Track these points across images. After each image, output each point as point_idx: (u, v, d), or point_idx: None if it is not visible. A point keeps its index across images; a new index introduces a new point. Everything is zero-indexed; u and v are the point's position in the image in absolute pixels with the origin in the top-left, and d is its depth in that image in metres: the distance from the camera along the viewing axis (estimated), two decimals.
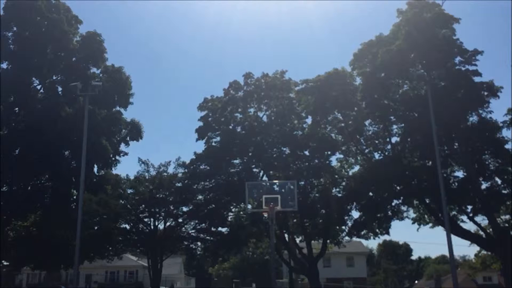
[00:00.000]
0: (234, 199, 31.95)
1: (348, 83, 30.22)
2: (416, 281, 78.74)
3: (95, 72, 33.33)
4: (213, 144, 32.95)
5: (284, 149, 32.37)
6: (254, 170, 32.61)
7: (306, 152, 31.74)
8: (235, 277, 63.01)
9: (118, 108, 34.03)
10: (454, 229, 25.59)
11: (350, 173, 32.58)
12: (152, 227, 36.56)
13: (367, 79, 28.12)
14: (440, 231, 52.56)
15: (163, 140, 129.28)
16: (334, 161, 32.69)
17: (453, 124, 26.22)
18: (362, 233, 31.06)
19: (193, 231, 36.95)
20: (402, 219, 30.79)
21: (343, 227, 31.34)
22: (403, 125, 29.15)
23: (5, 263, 36.75)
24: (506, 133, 27.39)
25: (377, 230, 30.39)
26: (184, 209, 35.80)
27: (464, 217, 29.03)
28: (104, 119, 31.43)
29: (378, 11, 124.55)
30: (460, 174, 28.76)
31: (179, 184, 34.37)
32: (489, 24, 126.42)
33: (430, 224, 31.24)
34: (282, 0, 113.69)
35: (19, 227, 31.67)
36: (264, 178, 31.81)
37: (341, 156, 32.48)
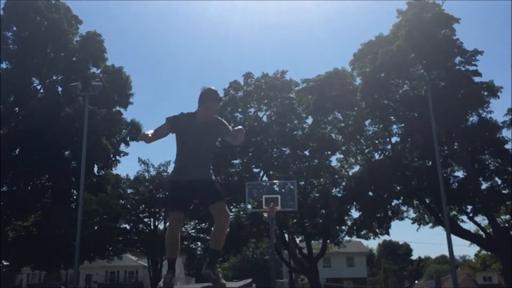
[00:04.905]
0: (234, 199, 31.96)
1: (348, 83, 30.26)
2: (416, 281, 78.65)
3: (95, 72, 33.30)
4: None
5: (284, 149, 32.38)
6: (254, 170, 32.61)
7: (306, 152, 31.75)
8: (235, 277, 63.00)
9: (118, 108, 34.02)
10: (454, 229, 25.59)
11: (350, 173, 32.60)
12: (152, 227, 36.57)
13: (367, 79, 28.14)
14: (440, 231, 52.61)
15: (163, 140, 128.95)
16: (334, 161, 32.75)
17: (453, 124, 26.24)
18: (362, 233, 31.10)
19: (193, 231, 36.96)
20: (402, 219, 30.82)
21: (343, 227, 31.37)
22: (403, 125, 29.18)
23: (5, 263, 36.75)
24: (506, 133, 27.52)
25: (377, 230, 30.41)
26: None
27: (464, 217, 29.07)
28: (104, 119, 31.40)
29: (378, 11, 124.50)
30: (460, 174, 28.85)
31: None
32: (489, 24, 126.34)
33: (430, 224, 31.25)
34: (282, 0, 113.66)
35: (19, 227, 31.65)
36: (264, 178, 31.83)
37: (341, 156, 32.51)
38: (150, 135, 4.71)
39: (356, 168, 32.29)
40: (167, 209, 4.77)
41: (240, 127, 4.91)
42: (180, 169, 4.73)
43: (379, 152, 30.66)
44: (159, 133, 4.80)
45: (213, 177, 4.81)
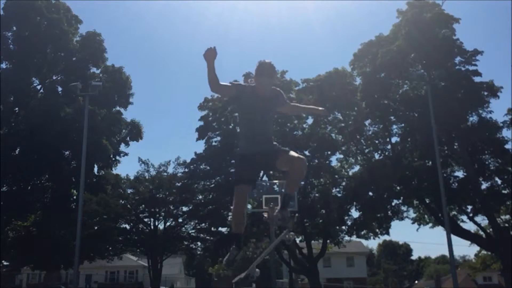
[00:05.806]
0: None
1: (348, 83, 30.28)
2: (416, 281, 78.63)
3: (95, 72, 33.35)
4: (213, 143, 32.94)
5: None
6: None
7: (306, 152, 31.71)
8: (235, 277, 62.92)
9: (118, 108, 34.05)
10: (454, 229, 25.60)
11: (350, 173, 32.59)
12: (152, 227, 36.52)
13: (367, 79, 28.16)
14: (440, 231, 52.59)
15: (163, 140, 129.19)
16: (334, 161, 32.72)
17: (453, 124, 26.24)
18: (362, 233, 31.09)
19: (193, 231, 36.91)
20: (402, 219, 30.84)
21: (343, 227, 31.35)
22: (403, 125, 29.19)
23: (5, 263, 36.72)
24: (506, 133, 27.52)
25: (377, 230, 30.41)
26: (184, 209, 35.79)
27: (464, 217, 29.09)
28: (104, 119, 31.41)
29: (378, 11, 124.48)
30: (460, 174, 28.85)
31: (179, 184, 34.37)
32: (489, 24, 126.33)
33: (430, 224, 31.26)
34: (282, 0, 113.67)
35: (19, 227, 31.62)
36: (264, 178, 31.81)
37: (341, 156, 32.52)
38: (216, 83, 4.70)
39: (356, 168, 32.35)
40: (235, 181, 4.80)
41: (312, 106, 5.64)
42: (248, 143, 4.94)
43: (379, 152, 30.69)
44: (222, 90, 4.88)
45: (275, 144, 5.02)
